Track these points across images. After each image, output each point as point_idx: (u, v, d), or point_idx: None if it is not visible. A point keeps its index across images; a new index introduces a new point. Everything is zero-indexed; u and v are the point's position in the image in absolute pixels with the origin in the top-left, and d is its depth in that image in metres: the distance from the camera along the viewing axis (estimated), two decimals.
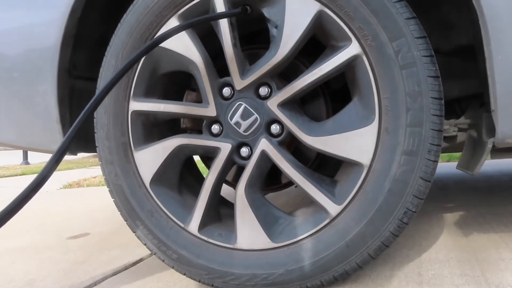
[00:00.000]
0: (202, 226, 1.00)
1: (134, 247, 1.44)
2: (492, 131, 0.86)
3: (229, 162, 1.00)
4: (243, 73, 0.96)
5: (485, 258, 1.08)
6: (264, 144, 0.95)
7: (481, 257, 1.09)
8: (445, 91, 0.85)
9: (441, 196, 1.98)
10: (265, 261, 0.94)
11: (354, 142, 0.88)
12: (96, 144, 1.07)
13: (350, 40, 0.87)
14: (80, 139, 1.19)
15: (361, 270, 0.94)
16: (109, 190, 1.07)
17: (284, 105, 0.94)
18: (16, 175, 5.30)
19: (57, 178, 4.43)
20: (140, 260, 1.33)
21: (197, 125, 1.12)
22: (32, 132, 1.18)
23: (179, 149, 1.02)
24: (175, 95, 1.12)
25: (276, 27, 0.93)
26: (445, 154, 2.86)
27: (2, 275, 1.27)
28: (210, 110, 0.99)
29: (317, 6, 0.88)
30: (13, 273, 1.29)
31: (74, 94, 1.14)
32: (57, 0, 1.07)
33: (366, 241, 0.88)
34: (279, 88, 0.95)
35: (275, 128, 0.96)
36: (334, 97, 1.16)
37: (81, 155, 1.34)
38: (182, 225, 1.01)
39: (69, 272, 1.25)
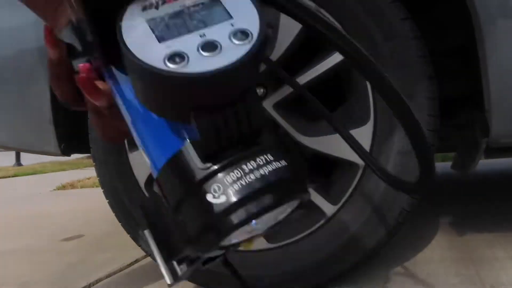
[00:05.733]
0: None
1: (129, 249, 1.43)
2: (486, 131, 0.86)
3: None
4: None
5: (479, 257, 1.08)
6: None
7: (476, 257, 1.09)
8: (439, 91, 0.86)
9: (435, 196, 1.99)
10: (261, 262, 0.94)
11: None
12: (90, 145, 1.06)
13: None
14: (73, 140, 1.18)
15: (357, 270, 0.94)
16: (103, 192, 1.06)
17: (280, 105, 0.94)
18: (9, 176, 5.24)
19: (50, 179, 4.40)
20: (135, 261, 1.32)
21: None
22: (24, 133, 1.17)
23: None
24: None
25: (271, 27, 0.92)
26: (440, 154, 2.87)
27: None
28: None
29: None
30: (6, 276, 1.28)
31: None
32: None
33: (362, 241, 0.88)
34: (275, 88, 0.94)
35: None
36: (329, 98, 1.16)
37: (74, 156, 1.33)
38: None
39: (63, 275, 1.24)
